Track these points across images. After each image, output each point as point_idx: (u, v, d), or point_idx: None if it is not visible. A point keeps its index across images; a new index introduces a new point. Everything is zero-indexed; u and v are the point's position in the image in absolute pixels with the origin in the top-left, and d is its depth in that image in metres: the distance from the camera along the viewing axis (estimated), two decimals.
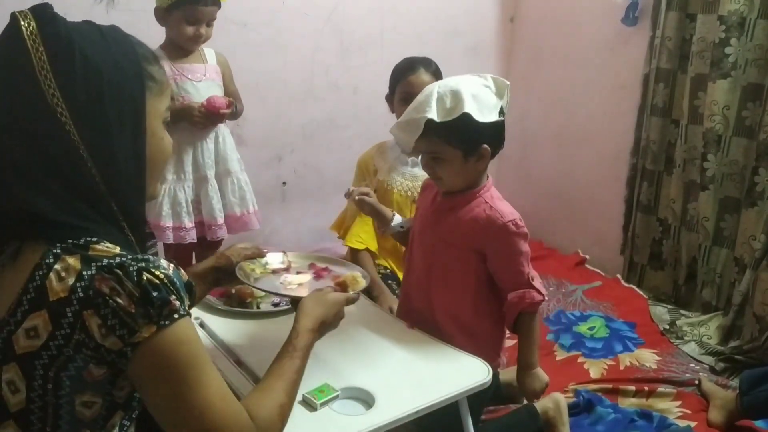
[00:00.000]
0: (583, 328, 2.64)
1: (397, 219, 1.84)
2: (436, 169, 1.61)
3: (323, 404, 1.31)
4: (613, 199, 3.23)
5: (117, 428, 1.00)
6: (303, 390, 1.32)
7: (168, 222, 2.32)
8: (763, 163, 2.51)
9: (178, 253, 2.43)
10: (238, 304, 1.73)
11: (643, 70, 2.97)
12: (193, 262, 2.58)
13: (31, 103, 0.91)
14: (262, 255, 1.53)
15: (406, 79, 2.17)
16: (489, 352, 1.65)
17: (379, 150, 2.32)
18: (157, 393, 0.94)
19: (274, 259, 1.56)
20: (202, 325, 1.63)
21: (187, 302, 0.96)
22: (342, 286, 1.43)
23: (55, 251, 0.91)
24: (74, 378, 0.91)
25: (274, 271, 1.52)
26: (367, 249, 2.26)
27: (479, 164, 1.60)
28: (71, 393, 0.92)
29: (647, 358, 2.45)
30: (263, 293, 1.76)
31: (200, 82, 2.33)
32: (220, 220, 2.41)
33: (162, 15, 2.27)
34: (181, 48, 2.31)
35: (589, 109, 3.32)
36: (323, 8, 3.04)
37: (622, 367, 2.38)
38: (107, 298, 0.88)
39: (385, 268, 2.32)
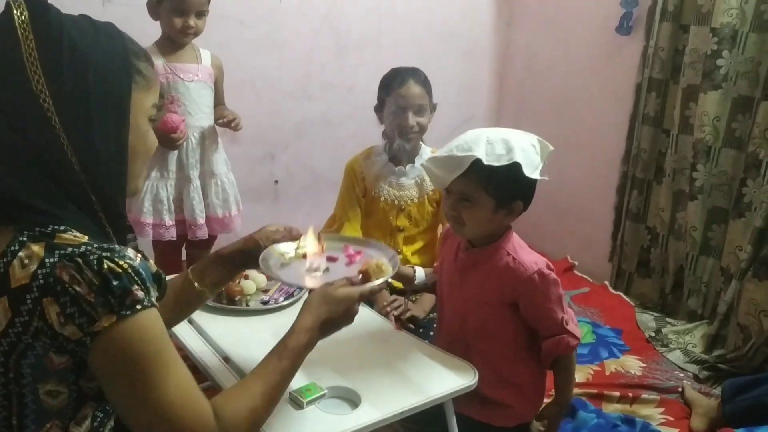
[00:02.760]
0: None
1: (420, 275, 1.79)
2: (462, 213, 1.53)
3: (309, 403, 1.31)
4: (602, 207, 3.25)
5: (89, 419, 0.99)
6: (290, 388, 1.33)
7: (148, 218, 2.32)
8: (751, 175, 2.54)
9: (166, 249, 2.43)
10: (228, 302, 1.73)
11: (636, 79, 3.00)
12: (183, 258, 2.58)
13: (15, 88, 0.92)
14: (294, 238, 1.42)
15: (395, 91, 2.15)
16: (533, 398, 1.65)
17: (367, 156, 2.31)
18: (115, 385, 0.93)
19: (306, 243, 1.41)
20: (191, 321, 1.63)
21: (154, 293, 0.95)
22: (365, 276, 1.29)
23: (21, 239, 0.91)
24: (35, 366, 0.91)
25: (305, 256, 1.39)
26: None
27: (507, 219, 1.55)
28: (34, 382, 0.92)
29: (632, 364, 2.47)
30: (253, 291, 1.78)
31: (192, 82, 2.33)
32: (201, 221, 2.40)
33: (153, 8, 2.27)
34: (174, 43, 2.31)
35: (581, 116, 3.34)
36: (320, 7, 3.05)
37: (607, 373, 2.40)
38: (66, 285, 0.87)
39: None
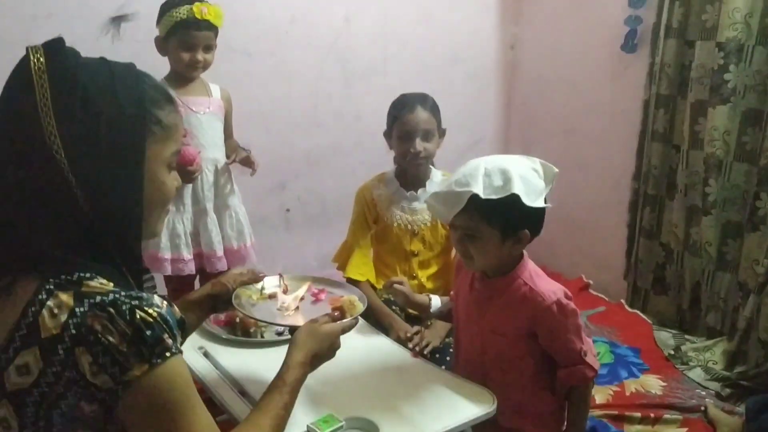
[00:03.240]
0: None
1: (435, 302, 1.78)
2: (469, 247, 1.51)
3: None
4: (615, 224, 3.24)
5: None
6: (307, 420, 1.33)
7: (166, 254, 2.31)
8: (764, 188, 2.52)
9: (179, 284, 2.44)
10: (242, 334, 1.72)
11: (643, 96, 3.00)
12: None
13: (29, 139, 0.91)
14: (258, 280, 1.51)
15: (403, 117, 2.16)
16: (553, 427, 1.62)
17: (378, 182, 2.32)
18: (145, 431, 0.93)
19: (270, 284, 1.54)
20: (206, 354, 1.63)
21: (179, 340, 0.95)
22: (340, 312, 1.40)
23: (48, 287, 0.90)
24: (65, 415, 0.91)
25: (271, 296, 1.51)
26: (367, 280, 2.26)
27: (515, 248, 1.52)
28: (63, 430, 0.91)
29: (652, 384, 2.44)
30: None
31: (204, 114, 2.35)
32: (220, 252, 2.40)
33: (161, 45, 2.29)
34: (183, 77, 2.33)
35: (590, 134, 3.34)
36: (326, 37, 3.09)
37: (627, 393, 2.37)
38: (99, 335, 0.87)
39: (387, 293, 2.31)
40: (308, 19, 3.01)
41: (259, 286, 1.52)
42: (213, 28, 2.27)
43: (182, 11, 2.20)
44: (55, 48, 0.94)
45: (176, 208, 2.33)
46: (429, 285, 2.27)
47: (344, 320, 1.35)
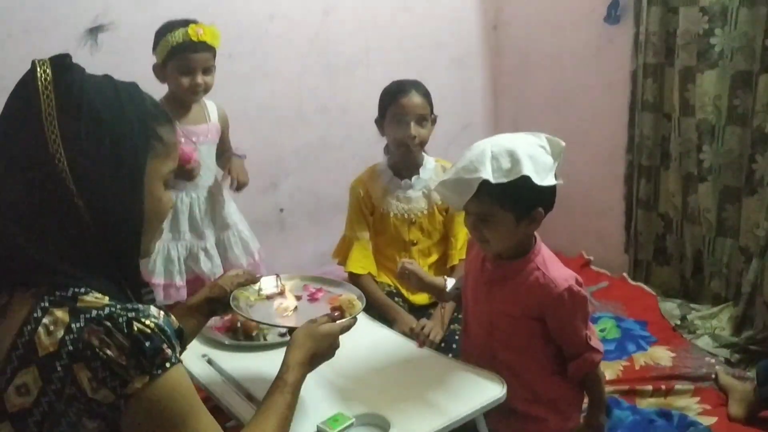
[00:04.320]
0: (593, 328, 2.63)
1: (450, 282, 1.76)
2: (484, 231, 1.50)
3: None
4: (612, 198, 3.22)
5: None
6: (317, 420, 1.32)
7: (159, 279, 2.27)
8: (759, 150, 2.51)
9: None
10: (245, 338, 1.71)
11: (630, 67, 2.98)
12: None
13: (32, 148, 0.92)
14: (255, 281, 1.51)
15: (397, 102, 2.15)
16: (568, 411, 1.62)
17: (371, 174, 2.31)
18: None
19: (267, 284, 1.53)
20: (210, 362, 1.61)
21: (178, 349, 0.95)
22: (339, 311, 1.40)
23: (42, 305, 0.90)
24: None
25: (269, 297, 1.50)
26: (369, 273, 2.24)
27: (530, 228, 1.52)
28: None
29: (661, 355, 2.42)
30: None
31: (203, 144, 2.31)
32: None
33: (159, 71, 2.21)
34: (183, 102, 2.26)
35: (579, 110, 3.32)
36: (306, 32, 3.05)
37: (637, 367, 2.36)
38: (97, 350, 0.87)
39: (389, 285, 2.30)
40: (287, 16, 2.97)
41: (256, 287, 1.51)
42: (210, 49, 2.20)
43: (177, 35, 2.13)
44: (61, 62, 0.95)
45: (172, 235, 2.29)
46: (431, 273, 2.25)
47: (343, 320, 1.35)
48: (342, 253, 2.32)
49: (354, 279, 2.24)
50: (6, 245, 0.92)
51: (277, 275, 1.56)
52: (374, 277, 2.26)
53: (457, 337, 2.01)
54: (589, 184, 3.34)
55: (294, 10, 2.99)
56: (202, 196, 2.35)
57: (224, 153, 2.43)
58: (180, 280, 2.32)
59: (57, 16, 2.46)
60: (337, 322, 1.33)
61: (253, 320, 1.41)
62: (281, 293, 1.52)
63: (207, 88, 2.25)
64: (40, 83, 0.92)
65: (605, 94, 3.17)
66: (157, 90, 2.33)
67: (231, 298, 1.42)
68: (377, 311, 2.11)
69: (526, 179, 1.40)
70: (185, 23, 2.16)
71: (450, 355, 1.92)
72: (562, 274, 1.53)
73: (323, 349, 1.28)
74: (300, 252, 3.19)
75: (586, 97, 3.27)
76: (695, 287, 2.90)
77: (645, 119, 2.94)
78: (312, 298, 1.53)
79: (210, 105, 2.37)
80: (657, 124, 2.92)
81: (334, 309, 1.41)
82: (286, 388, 1.17)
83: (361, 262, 2.24)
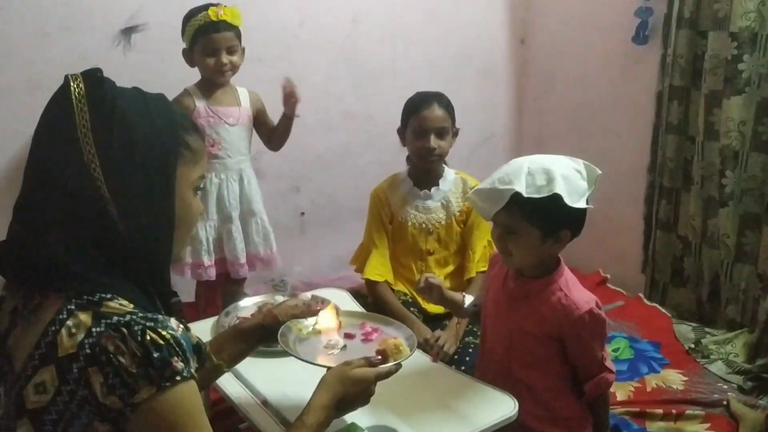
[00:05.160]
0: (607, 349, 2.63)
1: (469, 299, 1.78)
2: (509, 243, 1.53)
3: None
4: (632, 217, 3.22)
5: None
6: (330, 430, 1.32)
7: (187, 258, 2.35)
8: None
9: (210, 286, 2.47)
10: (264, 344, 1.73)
11: (656, 87, 2.98)
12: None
13: (67, 158, 0.95)
14: (312, 314, 1.45)
15: (419, 113, 2.18)
16: (579, 431, 1.63)
17: (391, 183, 2.33)
18: None
19: (324, 319, 1.47)
20: None
21: (193, 364, 0.96)
22: (383, 355, 1.31)
23: (69, 307, 0.92)
24: None
25: (322, 332, 1.45)
26: (385, 281, 2.27)
27: (555, 248, 1.54)
28: None
29: (674, 379, 2.42)
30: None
31: (234, 126, 2.38)
32: (243, 260, 2.45)
33: (188, 56, 2.33)
34: (213, 84, 2.35)
35: (603, 128, 3.32)
36: (335, 40, 3.09)
37: (648, 389, 2.35)
38: (111, 356, 0.89)
39: (405, 294, 2.32)
40: (317, 23, 3.02)
41: (312, 320, 1.46)
42: (232, 29, 2.30)
43: (199, 17, 2.25)
44: (93, 76, 0.99)
45: (200, 215, 2.35)
46: (447, 284, 2.27)
47: (382, 366, 1.27)
48: (360, 260, 2.35)
49: (371, 286, 2.27)
50: (40, 252, 0.95)
51: (336, 309, 1.51)
52: (391, 285, 2.28)
53: (470, 350, 2.03)
54: (609, 202, 3.34)
55: (324, 18, 3.03)
56: (232, 179, 2.41)
57: (274, 131, 2.51)
58: (208, 260, 2.40)
59: (92, 16, 2.52)
60: (374, 368, 1.25)
61: (296, 356, 1.34)
62: (336, 329, 1.46)
63: (234, 68, 2.34)
64: (74, 97, 0.96)
65: (630, 114, 3.17)
66: (190, 79, 2.40)
67: (281, 330, 1.38)
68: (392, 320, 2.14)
69: (558, 198, 1.43)
70: (206, 6, 2.26)
71: (463, 368, 1.94)
72: (583, 297, 1.55)
73: (353, 394, 1.22)
74: (318, 256, 3.22)
75: (611, 116, 3.27)
76: (711, 311, 2.89)
77: (668, 141, 2.93)
78: (366, 338, 1.47)
79: (241, 90, 2.46)
80: (680, 146, 2.91)
81: (378, 352, 1.32)
82: (303, 430, 1.14)
83: (379, 269, 2.27)
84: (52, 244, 0.95)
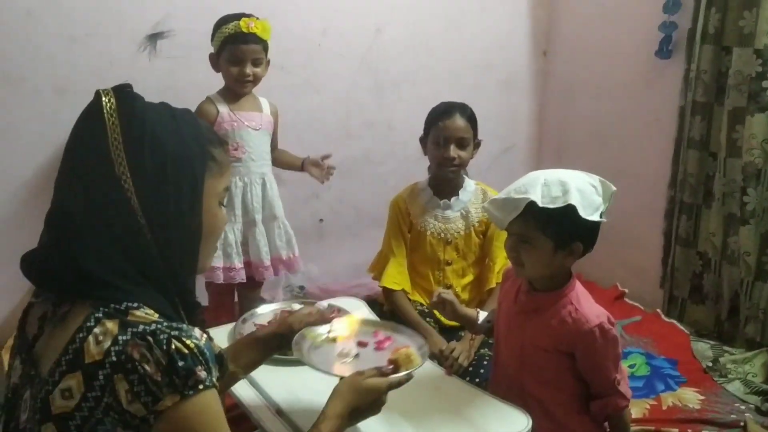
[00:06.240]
0: (623, 365, 2.61)
1: (482, 315, 1.78)
2: (521, 253, 1.54)
3: None
4: (650, 232, 3.19)
5: None
6: None
7: (218, 262, 2.38)
8: None
9: (219, 291, 2.49)
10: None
11: (679, 102, 2.96)
12: (235, 299, 2.63)
13: (99, 170, 0.98)
14: (326, 321, 1.49)
15: (440, 123, 2.19)
16: None
17: (411, 192, 2.34)
18: None
19: (337, 326, 1.50)
20: None
21: (215, 374, 0.98)
22: (394, 365, 1.32)
23: (96, 315, 0.95)
24: None
25: (335, 340, 1.48)
26: (402, 290, 2.27)
27: (567, 260, 1.55)
28: None
29: (690, 397, 2.40)
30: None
31: (257, 130, 2.42)
32: (267, 262, 2.48)
33: (214, 61, 2.38)
34: (235, 92, 2.39)
35: (624, 141, 3.31)
36: (358, 49, 3.11)
37: (664, 407, 2.33)
38: (137, 364, 0.90)
39: (421, 304, 2.32)
40: (340, 31, 3.04)
41: (326, 328, 1.48)
42: (260, 42, 2.34)
43: (230, 26, 2.29)
44: (124, 91, 1.02)
45: (227, 219, 2.39)
46: (464, 295, 2.28)
47: (393, 375, 1.29)
48: (378, 268, 2.36)
49: (388, 294, 2.28)
50: (70, 261, 0.97)
51: (350, 317, 1.55)
52: (408, 294, 2.29)
53: (485, 363, 2.03)
54: (628, 216, 3.31)
55: (347, 27, 3.06)
56: (256, 182, 2.44)
57: (274, 150, 2.56)
58: (238, 263, 2.43)
59: (119, 22, 2.56)
60: (385, 378, 1.27)
61: (309, 365, 1.37)
62: (349, 337, 1.49)
63: (256, 80, 2.38)
64: (105, 112, 0.99)
65: (651, 128, 3.15)
66: (213, 85, 2.44)
67: (296, 337, 1.41)
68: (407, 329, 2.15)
69: (572, 210, 1.44)
70: (239, 16, 2.30)
71: (477, 380, 1.94)
72: (593, 311, 1.55)
73: (366, 404, 1.24)
74: (336, 262, 3.24)
75: (632, 129, 3.26)
76: (730, 329, 2.86)
77: (690, 156, 2.91)
78: (379, 347, 1.49)
79: (262, 99, 2.51)
80: (702, 162, 2.89)
81: (390, 362, 1.33)
82: None
83: (396, 278, 2.27)
84: (82, 253, 0.97)
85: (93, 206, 0.98)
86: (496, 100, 3.55)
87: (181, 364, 0.92)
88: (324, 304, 1.87)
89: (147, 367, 0.90)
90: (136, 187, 0.98)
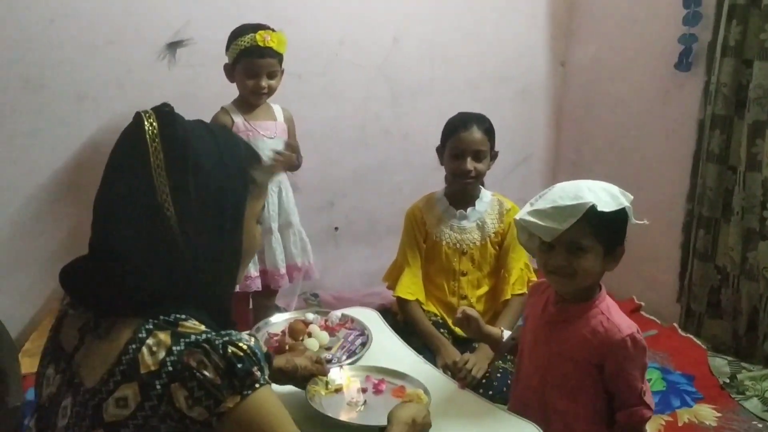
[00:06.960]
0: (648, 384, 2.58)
1: (507, 334, 1.78)
2: (574, 262, 1.50)
3: None
4: (668, 245, 3.16)
5: None
6: None
7: None
8: None
9: (236, 298, 2.51)
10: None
11: (698, 115, 2.93)
12: (250, 306, 2.64)
13: (141, 196, 0.99)
14: (323, 373, 1.54)
15: (457, 135, 2.19)
16: None
17: (427, 202, 2.34)
18: None
19: (334, 375, 1.56)
20: None
21: (267, 371, 1.01)
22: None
23: (147, 327, 0.97)
24: None
25: (337, 390, 1.53)
26: (417, 300, 2.27)
27: (610, 266, 1.55)
28: None
29: (707, 414, 2.37)
30: (316, 348, 1.77)
31: (272, 139, 2.44)
32: (283, 270, 2.50)
33: (229, 72, 2.39)
34: (249, 103, 2.41)
35: (642, 153, 3.28)
36: (375, 58, 3.12)
37: (680, 424, 2.31)
38: (194, 371, 0.93)
39: (435, 315, 2.32)
40: (357, 41, 3.06)
41: (325, 380, 1.54)
42: (276, 55, 2.35)
43: (246, 39, 2.30)
44: (165, 113, 1.03)
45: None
46: (479, 306, 2.27)
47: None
48: (392, 278, 2.36)
49: (402, 304, 2.28)
50: (116, 281, 0.99)
51: (341, 365, 1.62)
52: (422, 304, 2.29)
53: (499, 375, 2.01)
54: (645, 228, 3.27)
55: (364, 36, 3.08)
56: (272, 190, 2.47)
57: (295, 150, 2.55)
58: (254, 271, 2.45)
59: (139, 30, 2.60)
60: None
61: (340, 421, 1.41)
62: (349, 386, 1.55)
63: (270, 92, 2.40)
64: (147, 136, 0.99)
65: (670, 141, 3.13)
66: (231, 94, 2.47)
67: (308, 397, 1.45)
68: (422, 340, 2.14)
69: (623, 213, 1.47)
70: (256, 28, 2.31)
71: (490, 392, 1.93)
72: (625, 321, 1.55)
73: (421, 417, 1.31)
74: (351, 271, 3.25)
75: (650, 142, 3.23)
76: (748, 345, 2.82)
77: (709, 170, 2.88)
78: (377, 390, 1.54)
79: (276, 107, 2.52)
80: (721, 176, 2.86)
81: (405, 402, 1.40)
82: None
83: (410, 288, 2.27)
84: (126, 274, 0.99)
85: (137, 232, 0.99)
86: (513, 111, 3.54)
87: (239, 366, 0.95)
88: (338, 314, 1.87)
89: (206, 373, 0.93)
90: (178, 215, 0.99)
